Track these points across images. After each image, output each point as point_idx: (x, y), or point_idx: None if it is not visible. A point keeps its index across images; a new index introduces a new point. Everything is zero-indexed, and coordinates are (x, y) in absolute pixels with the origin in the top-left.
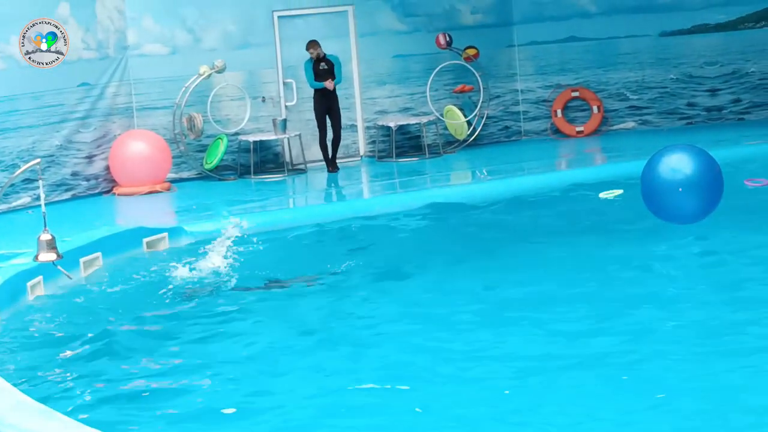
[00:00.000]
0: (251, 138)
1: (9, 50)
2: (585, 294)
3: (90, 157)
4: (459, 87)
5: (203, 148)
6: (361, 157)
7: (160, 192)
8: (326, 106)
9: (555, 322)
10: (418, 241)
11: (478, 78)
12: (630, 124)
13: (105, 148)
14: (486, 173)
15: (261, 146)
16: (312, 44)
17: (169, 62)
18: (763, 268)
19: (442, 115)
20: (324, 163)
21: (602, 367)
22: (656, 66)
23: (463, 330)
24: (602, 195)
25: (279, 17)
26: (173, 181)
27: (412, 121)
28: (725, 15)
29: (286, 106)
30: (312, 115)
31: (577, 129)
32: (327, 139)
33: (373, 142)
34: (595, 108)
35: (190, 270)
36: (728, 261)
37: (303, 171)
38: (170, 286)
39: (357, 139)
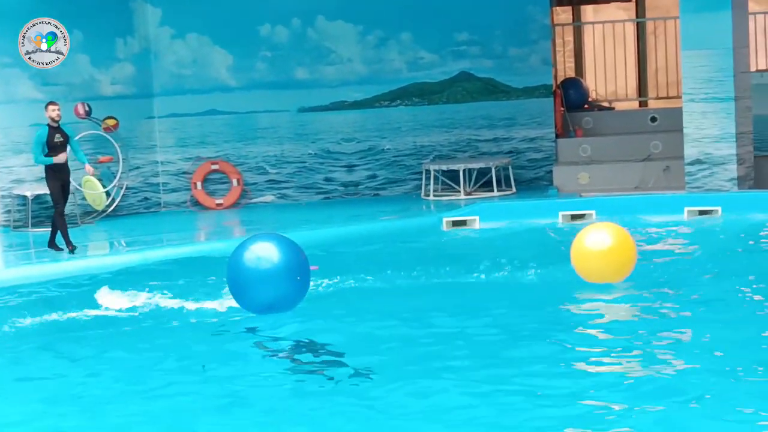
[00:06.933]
0: None
1: None
2: None
3: None
4: (101, 158)
5: None
6: None
7: None
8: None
9: None
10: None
11: (118, 148)
12: (269, 198)
13: None
14: (125, 244)
15: None
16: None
17: None
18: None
19: (80, 185)
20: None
21: None
22: (295, 141)
23: None
24: None
25: None
26: None
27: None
28: (362, 93)
29: None
30: None
31: (217, 201)
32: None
33: (9, 211)
34: (234, 181)
35: None
36: None
37: None
38: None
39: None
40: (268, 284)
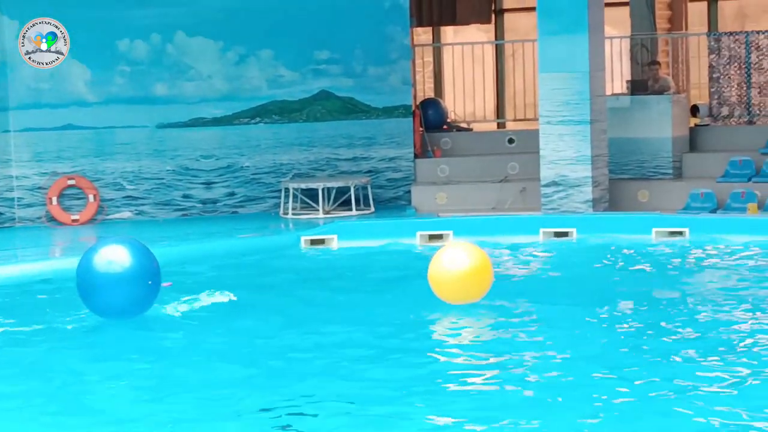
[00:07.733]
0: None
1: None
2: None
3: None
4: None
5: None
6: None
7: None
8: None
9: None
10: None
11: None
12: (126, 214)
13: None
14: None
15: None
16: None
17: None
18: None
19: None
20: None
21: None
22: (153, 157)
23: None
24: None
25: None
26: None
27: None
28: (221, 110)
29: None
30: None
31: (73, 217)
32: None
33: None
34: (91, 197)
35: None
36: None
37: None
38: None
39: None
40: (117, 287)
